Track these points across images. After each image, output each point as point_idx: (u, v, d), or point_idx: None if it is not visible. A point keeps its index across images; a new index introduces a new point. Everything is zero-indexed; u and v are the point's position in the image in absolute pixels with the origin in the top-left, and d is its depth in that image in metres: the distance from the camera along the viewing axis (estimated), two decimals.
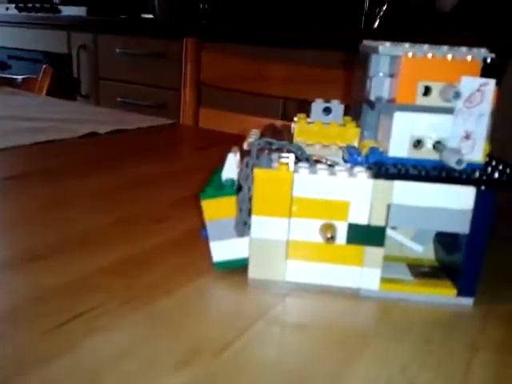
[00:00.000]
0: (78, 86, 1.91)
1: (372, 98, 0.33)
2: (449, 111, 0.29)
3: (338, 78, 0.81)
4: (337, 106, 0.36)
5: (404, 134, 0.30)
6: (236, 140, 0.35)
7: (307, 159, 0.32)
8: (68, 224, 0.40)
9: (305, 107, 0.37)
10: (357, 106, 0.36)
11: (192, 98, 0.93)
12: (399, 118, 0.30)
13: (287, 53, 1.28)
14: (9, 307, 0.28)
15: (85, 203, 0.45)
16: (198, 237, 0.34)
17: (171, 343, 0.26)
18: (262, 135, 0.35)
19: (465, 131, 0.30)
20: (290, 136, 0.36)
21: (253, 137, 0.35)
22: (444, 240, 0.33)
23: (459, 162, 0.28)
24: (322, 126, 0.36)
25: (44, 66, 1.12)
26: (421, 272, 0.33)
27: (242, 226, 0.31)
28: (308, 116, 0.37)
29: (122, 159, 0.61)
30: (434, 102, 0.29)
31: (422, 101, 0.29)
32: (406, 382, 0.24)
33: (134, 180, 0.53)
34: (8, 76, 1.24)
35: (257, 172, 0.30)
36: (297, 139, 0.36)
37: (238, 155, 0.34)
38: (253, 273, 0.32)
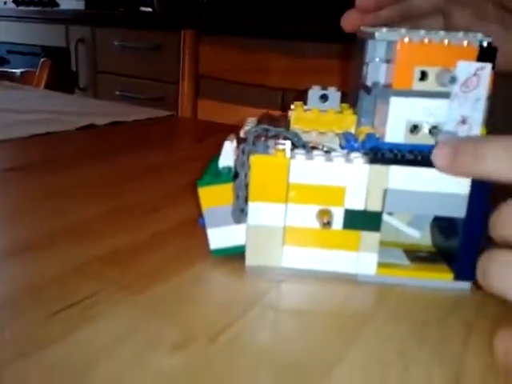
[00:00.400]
0: (75, 79, 1.91)
1: (368, 83, 0.33)
2: (445, 96, 0.29)
3: (337, 68, 0.81)
4: (334, 93, 0.36)
5: (400, 119, 0.30)
6: (234, 130, 0.35)
7: (304, 146, 0.32)
8: (65, 214, 0.40)
9: (304, 98, 0.37)
10: (354, 92, 0.36)
11: (190, 90, 0.93)
12: (395, 103, 0.30)
13: (286, 45, 1.27)
14: (7, 295, 0.28)
15: (82, 194, 0.45)
16: (195, 225, 0.34)
17: (166, 329, 0.26)
18: (259, 123, 0.35)
19: (461, 116, 0.30)
20: (286, 124, 0.36)
21: (249, 125, 0.35)
22: (441, 225, 0.33)
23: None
24: (318, 113, 0.35)
25: (42, 60, 1.12)
26: (418, 257, 0.33)
27: (239, 213, 0.31)
28: (305, 104, 0.37)
29: (119, 150, 0.61)
30: (430, 87, 0.29)
31: (418, 86, 0.29)
32: (403, 364, 0.24)
33: (131, 170, 0.53)
34: (6, 70, 1.24)
35: (253, 158, 0.30)
36: (294, 127, 0.35)
37: (234, 143, 0.34)
38: (250, 259, 0.32)
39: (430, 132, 0.30)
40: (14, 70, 1.18)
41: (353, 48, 0.36)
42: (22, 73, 1.14)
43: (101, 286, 0.29)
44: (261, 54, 0.93)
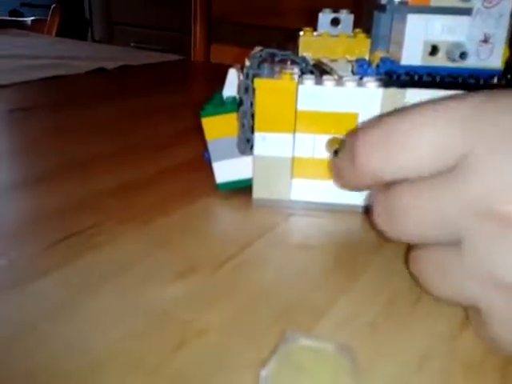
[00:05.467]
0: (88, 27, 1.87)
1: (383, 1, 0.30)
2: (466, 12, 0.27)
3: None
4: (346, 17, 0.33)
5: (418, 38, 0.28)
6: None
7: (312, 72, 0.30)
8: (73, 151, 0.39)
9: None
10: (368, 16, 0.33)
11: (202, 35, 0.90)
12: (413, 21, 0.27)
13: None
14: (7, 227, 0.28)
15: (90, 133, 0.44)
16: (202, 162, 0.33)
17: (170, 258, 0.25)
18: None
19: (483, 34, 0.27)
20: (295, 51, 0.33)
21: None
22: None
23: (463, 55, 0.26)
24: (329, 38, 0.33)
25: (53, 6, 1.09)
26: None
27: (245, 144, 0.30)
28: (315, 30, 0.34)
29: (128, 93, 0.59)
30: (450, 2, 0.27)
31: (437, 1, 0.27)
32: (413, 292, 0.23)
33: (139, 111, 0.51)
34: (17, 19, 1.22)
35: (258, 82, 0.28)
36: (302, 53, 0.33)
37: (240, 72, 0.32)
38: (257, 192, 0.31)
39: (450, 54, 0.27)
40: (24, 19, 1.16)
41: None
42: (32, 21, 1.12)
43: (104, 218, 0.29)
44: None
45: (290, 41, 0.34)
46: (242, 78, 0.30)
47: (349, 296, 0.23)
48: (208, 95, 0.34)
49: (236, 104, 0.30)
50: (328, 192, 0.30)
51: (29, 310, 0.21)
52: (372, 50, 0.32)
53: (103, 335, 0.20)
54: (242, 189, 0.31)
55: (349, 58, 0.33)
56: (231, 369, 0.18)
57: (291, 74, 0.28)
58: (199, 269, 0.24)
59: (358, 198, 0.30)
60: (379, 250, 0.27)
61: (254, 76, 0.28)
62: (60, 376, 0.18)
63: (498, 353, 0.19)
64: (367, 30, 0.34)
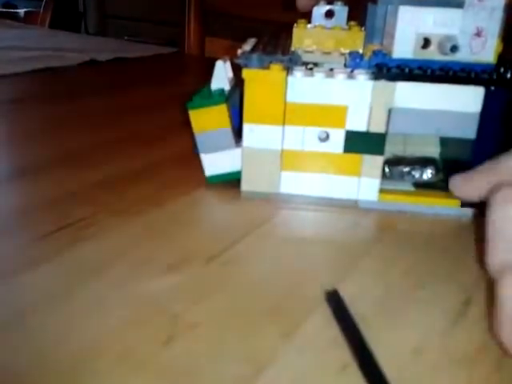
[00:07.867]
0: (81, 20, 1.85)
1: None
2: (459, 5, 0.27)
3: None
4: (340, 9, 0.33)
5: (410, 31, 0.27)
6: None
7: (302, 63, 0.29)
8: (64, 143, 0.39)
9: None
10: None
11: (197, 27, 0.89)
12: (405, 13, 0.27)
13: None
14: (0, 216, 0.27)
15: (82, 125, 0.43)
16: (194, 154, 0.32)
17: (161, 251, 0.25)
18: (259, 42, 0.33)
19: (476, 27, 0.27)
20: (289, 42, 0.33)
21: (249, 43, 0.33)
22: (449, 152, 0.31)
23: (454, 48, 0.26)
24: (323, 31, 0.33)
25: None
26: (423, 182, 0.31)
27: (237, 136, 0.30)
28: (309, 22, 0.34)
29: (122, 85, 0.59)
30: None
31: None
32: (407, 286, 0.23)
33: (133, 103, 0.51)
34: (10, 11, 1.20)
35: (246, 72, 0.27)
36: (296, 46, 0.33)
37: (228, 63, 0.32)
38: (245, 185, 0.30)
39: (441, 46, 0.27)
40: (17, 11, 1.14)
41: None
42: (25, 13, 1.11)
43: (95, 209, 0.28)
44: None
45: (284, 33, 0.33)
46: (230, 70, 0.29)
47: (341, 290, 0.22)
48: (201, 88, 0.33)
49: (224, 96, 0.30)
50: (317, 185, 0.30)
51: (17, 302, 0.21)
52: (366, 43, 0.32)
53: (93, 327, 0.19)
54: (233, 181, 0.31)
55: (342, 50, 0.33)
56: (222, 362, 0.18)
57: (281, 65, 0.28)
58: (190, 262, 0.24)
59: (346, 192, 0.29)
60: (373, 243, 0.26)
61: (243, 67, 0.28)
62: (48, 368, 0.17)
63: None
64: (363, 23, 0.33)
